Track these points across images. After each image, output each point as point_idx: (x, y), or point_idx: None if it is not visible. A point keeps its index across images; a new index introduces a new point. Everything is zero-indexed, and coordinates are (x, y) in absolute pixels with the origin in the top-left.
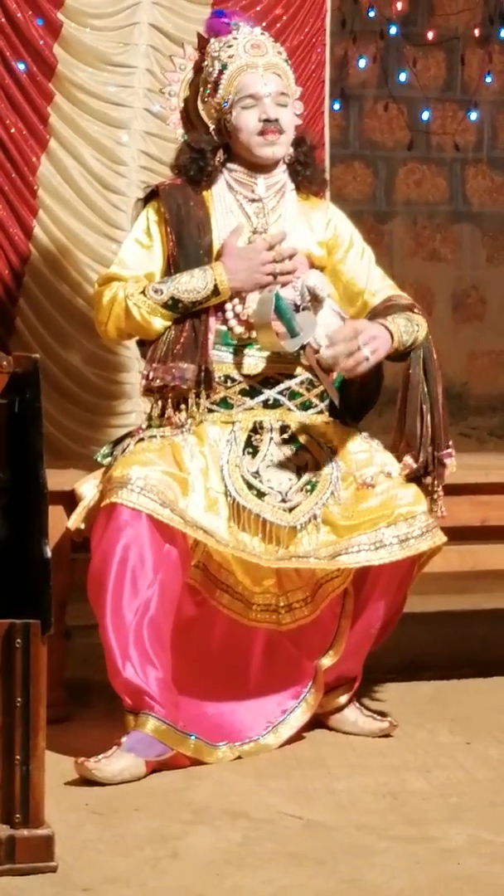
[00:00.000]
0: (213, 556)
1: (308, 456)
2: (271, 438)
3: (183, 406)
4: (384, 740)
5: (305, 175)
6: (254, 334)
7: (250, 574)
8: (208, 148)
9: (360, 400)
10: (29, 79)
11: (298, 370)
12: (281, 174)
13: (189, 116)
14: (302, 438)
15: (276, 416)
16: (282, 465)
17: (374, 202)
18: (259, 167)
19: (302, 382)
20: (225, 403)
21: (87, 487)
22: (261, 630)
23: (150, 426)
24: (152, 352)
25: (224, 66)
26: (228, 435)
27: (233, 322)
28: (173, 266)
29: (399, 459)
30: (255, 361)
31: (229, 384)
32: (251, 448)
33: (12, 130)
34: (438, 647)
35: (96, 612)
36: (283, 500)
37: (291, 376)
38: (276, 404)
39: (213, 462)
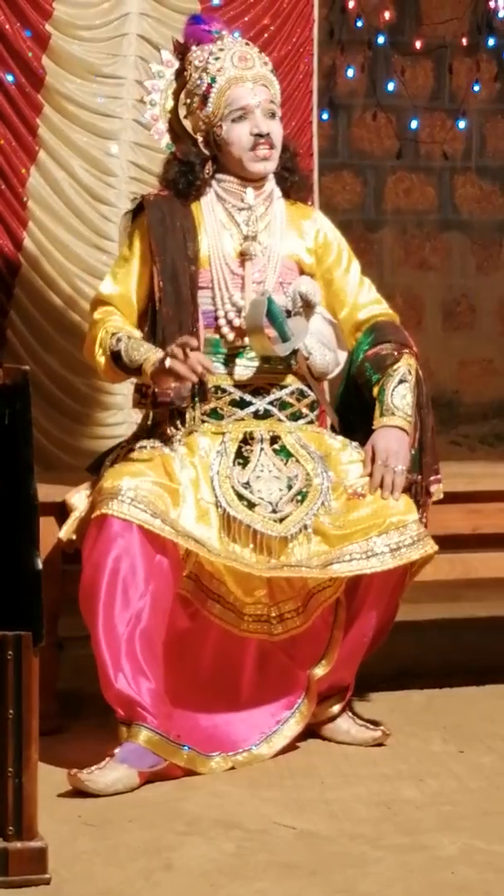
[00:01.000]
0: (205, 566)
1: (298, 466)
2: (262, 449)
3: (177, 419)
4: (377, 749)
5: (293, 181)
6: (246, 341)
7: (242, 584)
8: (197, 161)
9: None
10: (18, 90)
11: (289, 380)
12: (269, 182)
13: (173, 127)
14: (292, 449)
15: (267, 427)
16: (272, 475)
17: (364, 211)
18: (249, 178)
19: (292, 393)
20: (215, 414)
21: (79, 498)
22: (253, 640)
23: (140, 437)
24: None
25: (213, 80)
26: (219, 446)
27: (225, 329)
28: (156, 275)
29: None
30: (245, 371)
31: (220, 395)
32: (242, 459)
33: (1, 142)
34: (431, 656)
35: (88, 623)
36: (274, 511)
37: (282, 387)
38: (266, 415)
39: (203, 473)
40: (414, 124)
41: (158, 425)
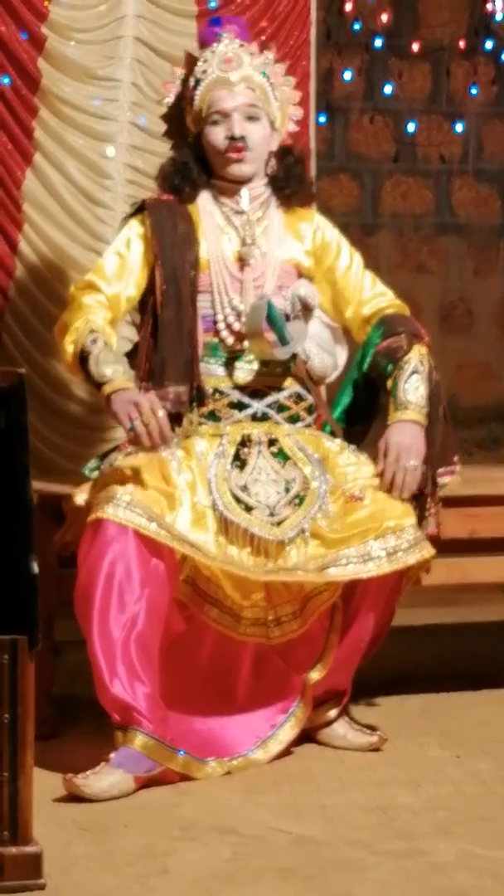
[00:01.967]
0: (202, 570)
1: (296, 469)
2: (259, 452)
3: (175, 423)
4: (373, 755)
5: (290, 187)
6: (245, 344)
7: (239, 588)
8: (190, 160)
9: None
10: (13, 93)
11: (287, 383)
12: (262, 186)
13: (172, 128)
14: (290, 452)
15: (265, 430)
16: (270, 478)
17: (360, 214)
18: (234, 181)
19: (290, 396)
20: (213, 416)
21: (81, 499)
22: (249, 645)
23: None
24: (141, 368)
25: (198, 82)
26: (217, 448)
27: (225, 333)
28: (158, 278)
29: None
30: (243, 374)
31: (218, 397)
32: (239, 461)
33: None
34: (427, 661)
35: (83, 627)
36: (272, 514)
37: (280, 389)
38: (264, 417)
39: (200, 476)
40: (411, 127)
41: None
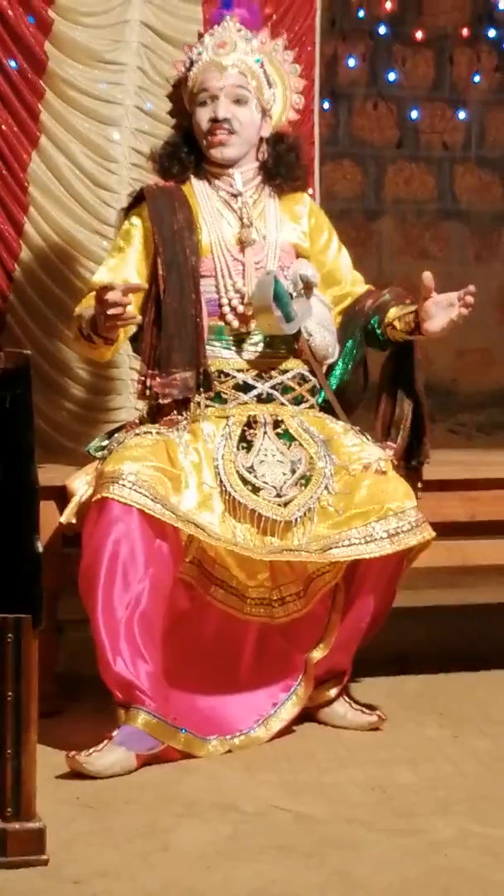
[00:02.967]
0: (207, 551)
1: (302, 450)
2: (265, 433)
3: (182, 408)
4: (373, 734)
5: (280, 175)
6: (251, 327)
7: (244, 568)
8: (180, 141)
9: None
10: (20, 76)
11: (291, 364)
12: (254, 171)
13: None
14: (295, 433)
15: (270, 411)
16: (276, 459)
17: (364, 200)
18: (221, 164)
19: (294, 377)
20: (219, 398)
21: (80, 483)
22: (253, 624)
23: (145, 421)
24: (147, 357)
25: (192, 63)
26: (223, 430)
27: (230, 317)
28: (160, 267)
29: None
30: (248, 355)
31: (223, 379)
32: (245, 443)
33: (3, 127)
34: (427, 642)
35: (87, 606)
36: (278, 495)
37: (284, 371)
38: (269, 399)
39: (206, 458)
40: (414, 114)
41: (163, 411)
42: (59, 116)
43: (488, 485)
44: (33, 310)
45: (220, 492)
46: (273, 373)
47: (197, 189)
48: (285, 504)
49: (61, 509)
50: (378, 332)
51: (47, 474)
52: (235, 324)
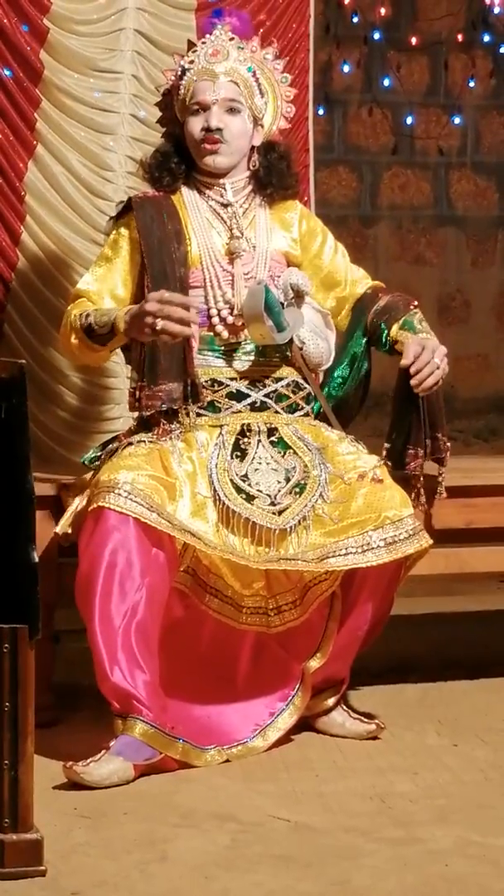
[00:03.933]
0: (202, 560)
1: (296, 458)
2: (259, 441)
3: (172, 418)
4: (371, 743)
5: (272, 185)
6: (242, 337)
7: (239, 577)
8: (171, 151)
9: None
10: (15, 85)
11: (285, 372)
12: (245, 180)
13: (165, 117)
14: (290, 441)
15: (264, 419)
16: (270, 468)
17: (359, 206)
18: (212, 174)
19: (288, 385)
20: (213, 407)
21: (78, 498)
22: (249, 633)
23: (138, 431)
24: (137, 368)
25: (184, 71)
26: (217, 438)
27: (220, 327)
28: (147, 278)
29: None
30: (241, 365)
31: (216, 388)
32: (239, 451)
33: None
34: (425, 650)
35: (84, 616)
36: (273, 504)
37: (277, 379)
38: (263, 407)
39: (200, 467)
40: (409, 120)
41: (153, 421)
42: (55, 125)
43: (486, 492)
44: (30, 318)
45: (213, 500)
46: (267, 381)
47: (187, 199)
48: (279, 512)
49: (57, 519)
50: (384, 341)
51: (43, 484)
52: (225, 334)
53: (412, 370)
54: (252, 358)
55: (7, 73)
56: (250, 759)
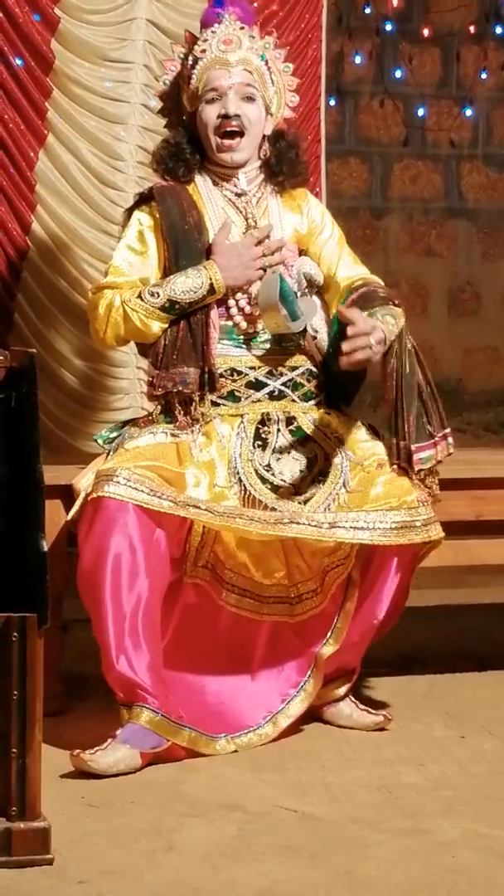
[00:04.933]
0: (220, 556)
1: (316, 447)
2: (279, 430)
3: (189, 407)
4: (379, 734)
5: (283, 173)
6: (259, 327)
7: (261, 567)
8: (184, 141)
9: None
10: (27, 74)
11: (300, 361)
12: (257, 169)
13: (168, 107)
14: (308, 429)
15: (282, 408)
16: (292, 457)
17: (370, 198)
18: (226, 166)
19: (303, 374)
20: (232, 397)
21: (86, 481)
22: (266, 620)
23: (158, 421)
24: (154, 356)
25: (196, 60)
26: (237, 428)
27: (238, 318)
28: (170, 269)
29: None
30: (259, 353)
31: (235, 377)
32: (260, 441)
33: (10, 126)
34: (433, 642)
35: (90, 606)
36: (297, 493)
37: (293, 367)
38: (280, 395)
39: (220, 459)
40: (421, 112)
41: (171, 407)
42: (66, 115)
43: (495, 484)
44: (40, 308)
45: (238, 488)
46: (283, 369)
47: (202, 189)
48: (305, 502)
49: (67, 508)
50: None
51: (52, 473)
52: (244, 325)
53: (348, 335)
54: (268, 347)
55: (18, 62)
56: (258, 749)
